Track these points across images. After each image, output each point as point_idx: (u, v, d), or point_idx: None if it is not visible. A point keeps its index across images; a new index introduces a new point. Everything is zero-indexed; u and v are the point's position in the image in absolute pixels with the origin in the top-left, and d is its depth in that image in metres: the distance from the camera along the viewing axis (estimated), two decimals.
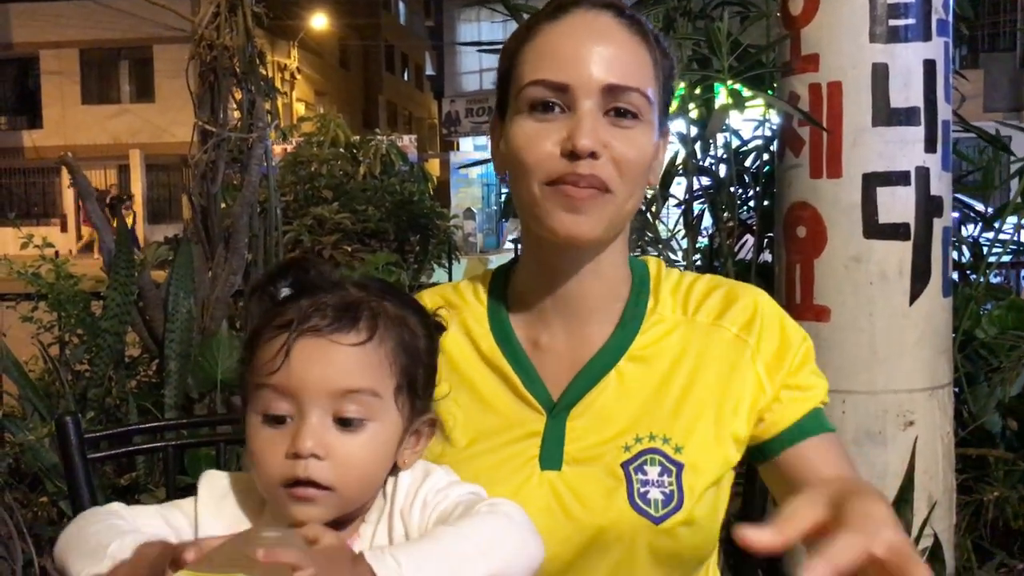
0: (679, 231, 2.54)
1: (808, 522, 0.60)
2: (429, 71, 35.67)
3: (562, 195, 0.87)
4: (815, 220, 1.91)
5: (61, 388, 2.53)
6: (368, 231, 6.59)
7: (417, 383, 0.83)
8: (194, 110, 2.70)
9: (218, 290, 2.62)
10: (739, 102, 2.15)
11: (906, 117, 1.84)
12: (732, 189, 2.43)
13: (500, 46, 0.99)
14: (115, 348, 2.51)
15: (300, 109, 22.16)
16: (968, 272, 2.58)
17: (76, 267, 3.02)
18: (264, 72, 2.82)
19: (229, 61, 2.65)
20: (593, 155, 0.86)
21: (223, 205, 2.74)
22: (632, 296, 0.97)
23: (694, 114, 2.36)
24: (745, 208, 2.54)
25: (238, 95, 2.73)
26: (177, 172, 20.80)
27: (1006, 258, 2.86)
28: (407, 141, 15.05)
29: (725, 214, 2.46)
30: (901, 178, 1.85)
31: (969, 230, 2.71)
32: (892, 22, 1.82)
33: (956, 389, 2.18)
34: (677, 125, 2.33)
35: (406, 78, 37.20)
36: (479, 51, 3.60)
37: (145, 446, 1.48)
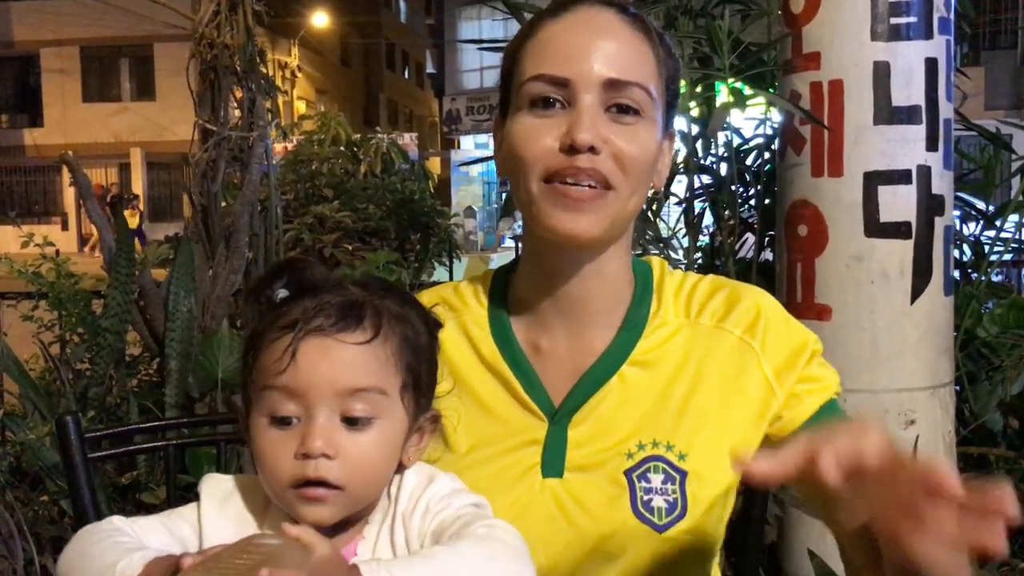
0: (680, 230, 2.54)
1: (805, 452, 0.62)
2: (430, 69, 35.65)
3: (560, 194, 0.85)
4: (816, 219, 1.91)
5: (62, 387, 2.52)
6: (369, 229, 6.58)
7: (421, 380, 0.83)
8: (195, 108, 2.69)
9: (219, 289, 2.61)
10: (740, 100, 2.14)
11: (907, 115, 1.84)
12: (733, 187, 2.42)
13: (501, 44, 0.99)
14: (116, 347, 2.51)
15: (301, 107, 22.16)
16: (969, 271, 2.58)
17: (79, 266, 3.02)
18: (265, 70, 2.81)
19: (230, 59, 2.64)
20: (593, 150, 0.85)
21: (224, 204, 2.73)
22: (635, 299, 0.95)
23: (695, 112, 2.36)
24: (746, 207, 2.54)
25: (239, 93, 2.73)
26: (178, 170, 20.81)
27: (1007, 256, 2.85)
28: (408, 139, 15.03)
29: (726, 212, 2.45)
30: (902, 177, 1.84)
31: (970, 228, 2.70)
32: (894, 20, 1.82)
33: (957, 388, 2.18)
34: (678, 123, 2.32)
35: (407, 76, 37.21)
36: (480, 49, 3.60)
37: (146, 445, 1.48)
